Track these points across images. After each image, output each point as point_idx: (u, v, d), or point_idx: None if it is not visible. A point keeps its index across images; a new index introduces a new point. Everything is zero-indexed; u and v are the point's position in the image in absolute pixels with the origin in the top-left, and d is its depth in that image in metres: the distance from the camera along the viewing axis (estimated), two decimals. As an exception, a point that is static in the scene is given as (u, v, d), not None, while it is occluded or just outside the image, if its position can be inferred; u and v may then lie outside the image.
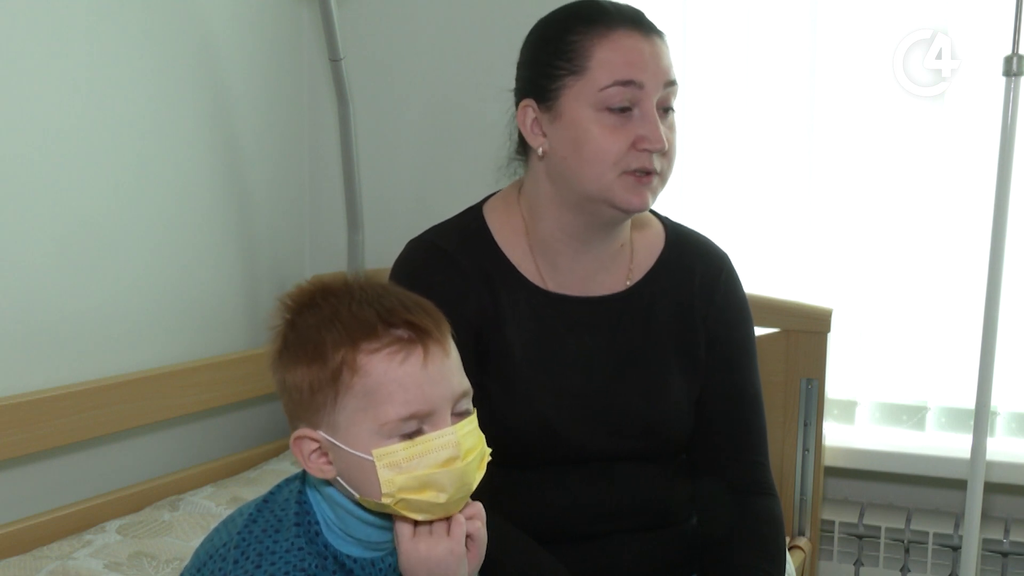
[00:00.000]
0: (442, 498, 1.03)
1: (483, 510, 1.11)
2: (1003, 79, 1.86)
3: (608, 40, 1.39)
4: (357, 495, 1.05)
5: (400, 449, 1.02)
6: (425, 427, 1.04)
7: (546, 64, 1.42)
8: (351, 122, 2.28)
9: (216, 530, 1.15)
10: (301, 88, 2.55)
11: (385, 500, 1.02)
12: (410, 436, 1.03)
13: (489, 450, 1.09)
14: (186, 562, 1.18)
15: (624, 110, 1.38)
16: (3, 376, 1.77)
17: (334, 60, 2.24)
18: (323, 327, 1.04)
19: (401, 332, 1.04)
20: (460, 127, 2.46)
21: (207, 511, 1.91)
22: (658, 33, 1.43)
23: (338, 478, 1.06)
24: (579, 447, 1.46)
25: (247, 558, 1.05)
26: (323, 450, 1.05)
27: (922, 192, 2.15)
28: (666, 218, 1.61)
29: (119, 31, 1.98)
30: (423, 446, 1.02)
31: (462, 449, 1.04)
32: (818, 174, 2.21)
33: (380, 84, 2.51)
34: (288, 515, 1.08)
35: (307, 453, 1.06)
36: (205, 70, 2.22)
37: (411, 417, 1.03)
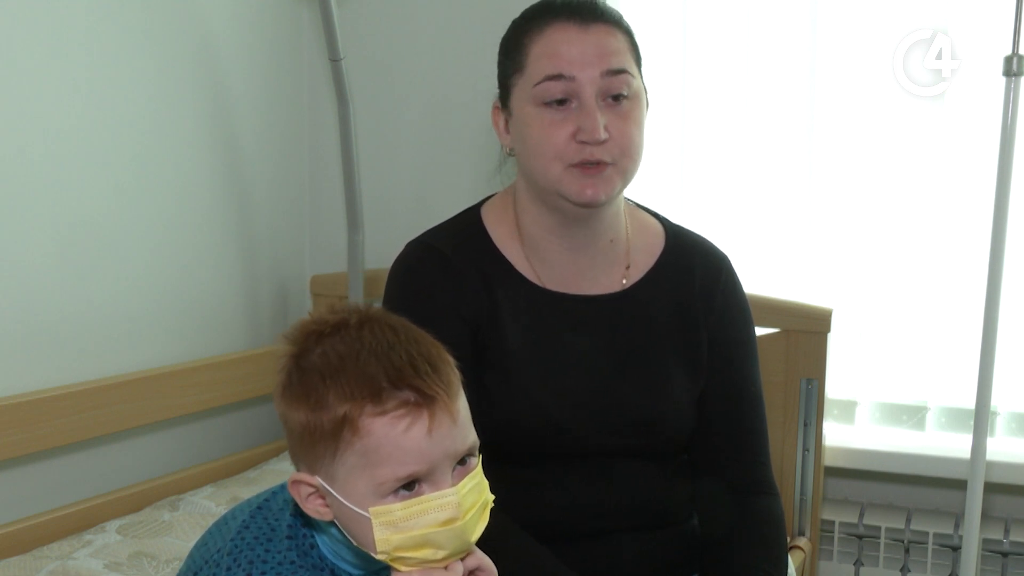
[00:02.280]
0: (440, 555, 1.00)
1: (492, 566, 1.08)
2: (1003, 79, 1.86)
3: (541, 35, 1.41)
4: (354, 543, 1.03)
5: (398, 509, 0.98)
6: (425, 485, 1.00)
7: (501, 64, 1.48)
8: (351, 122, 2.28)
9: (210, 533, 1.14)
10: (301, 88, 2.55)
11: (380, 557, 1.00)
12: (409, 492, 0.99)
13: (492, 497, 1.06)
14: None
15: (562, 103, 1.39)
16: (3, 376, 1.78)
17: (334, 60, 2.24)
18: (328, 377, 0.99)
19: (408, 395, 0.99)
20: (460, 127, 2.46)
21: (207, 511, 1.91)
22: (604, 20, 1.41)
23: (335, 521, 1.04)
24: (579, 444, 1.46)
25: (239, 565, 1.05)
26: (321, 493, 1.02)
27: (922, 192, 2.15)
28: (665, 219, 1.61)
29: (119, 31, 1.98)
30: (421, 506, 0.99)
31: (462, 509, 1.00)
32: (818, 174, 2.21)
33: (380, 84, 2.51)
34: (281, 526, 1.08)
35: (304, 495, 1.03)
36: (205, 70, 2.22)
37: (409, 476, 0.99)
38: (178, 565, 1.68)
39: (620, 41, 1.42)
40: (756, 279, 2.16)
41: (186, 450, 2.21)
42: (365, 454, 0.98)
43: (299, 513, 1.08)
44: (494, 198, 1.57)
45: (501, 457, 1.45)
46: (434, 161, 2.50)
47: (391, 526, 0.99)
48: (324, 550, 1.08)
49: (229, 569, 1.05)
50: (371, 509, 0.99)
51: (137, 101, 2.03)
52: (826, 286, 2.22)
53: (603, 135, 1.37)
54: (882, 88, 2.14)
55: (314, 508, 1.03)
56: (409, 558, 1.00)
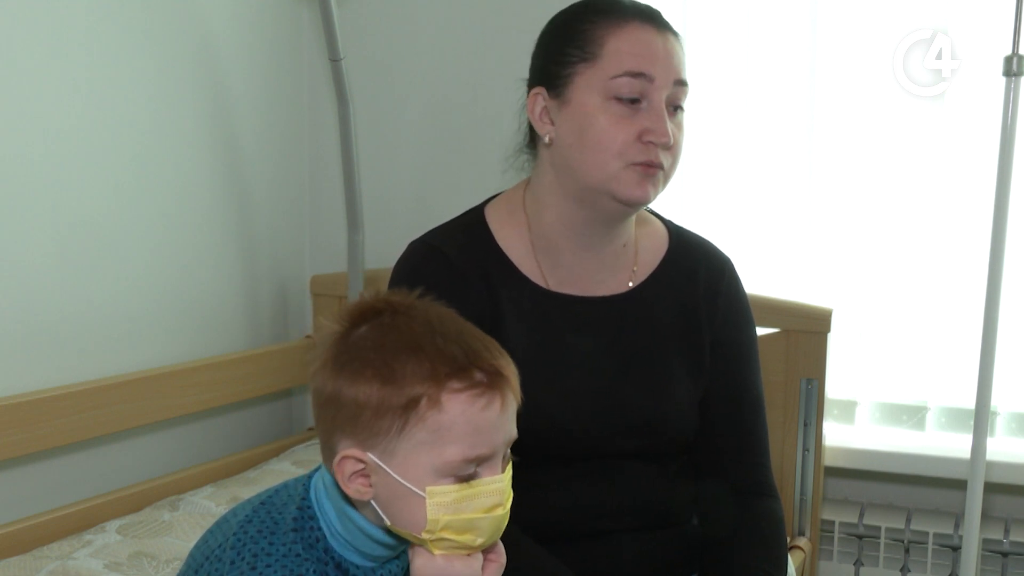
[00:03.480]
0: (477, 542, 1.03)
1: (504, 554, 1.11)
2: (1003, 79, 1.86)
3: (622, 30, 1.40)
4: (388, 521, 1.04)
5: (454, 491, 1.01)
6: (481, 469, 1.03)
7: (558, 51, 1.44)
8: (351, 122, 2.28)
9: (210, 531, 1.14)
10: (301, 88, 2.55)
11: (424, 535, 1.02)
12: (464, 478, 1.02)
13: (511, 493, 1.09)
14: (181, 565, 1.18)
15: (633, 101, 1.39)
16: (3, 376, 1.77)
17: (334, 60, 2.24)
18: (402, 352, 1.01)
19: (482, 376, 1.02)
20: (460, 127, 2.46)
21: (207, 511, 1.91)
22: (673, 32, 1.44)
23: (372, 501, 1.04)
24: (582, 445, 1.46)
25: (242, 558, 1.04)
26: (366, 472, 1.03)
27: (922, 192, 2.15)
28: (669, 221, 1.61)
29: (119, 31, 1.98)
30: (475, 489, 1.02)
31: (505, 496, 1.04)
32: (818, 174, 2.21)
33: (380, 84, 2.51)
34: (285, 519, 1.07)
35: (348, 473, 1.03)
36: (205, 70, 2.22)
37: (473, 460, 1.02)
38: (178, 565, 1.68)
39: (684, 55, 1.45)
40: (756, 279, 2.16)
41: (186, 450, 2.21)
42: (437, 431, 1.00)
43: (307, 507, 1.08)
44: (499, 198, 1.56)
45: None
46: (434, 161, 2.50)
47: (444, 507, 1.01)
48: (332, 542, 1.08)
49: (232, 563, 1.04)
50: (428, 489, 1.00)
51: (137, 101, 2.03)
52: (826, 286, 2.22)
53: (671, 140, 1.39)
54: (882, 88, 2.15)
55: (356, 487, 1.03)
56: (451, 541, 1.02)
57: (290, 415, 2.56)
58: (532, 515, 1.45)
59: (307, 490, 1.10)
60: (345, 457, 1.03)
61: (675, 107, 1.43)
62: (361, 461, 1.02)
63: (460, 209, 1.58)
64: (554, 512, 1.46)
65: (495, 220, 1.52)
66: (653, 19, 1.43)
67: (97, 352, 1.97)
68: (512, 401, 1.04)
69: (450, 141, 2.48)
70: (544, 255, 1.50)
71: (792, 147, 2.21)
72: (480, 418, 1.01)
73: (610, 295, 1.51)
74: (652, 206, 1.63)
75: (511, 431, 1.05)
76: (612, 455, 1.48)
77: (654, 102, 1.39)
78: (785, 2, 2.18)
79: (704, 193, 2.27)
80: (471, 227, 1.52)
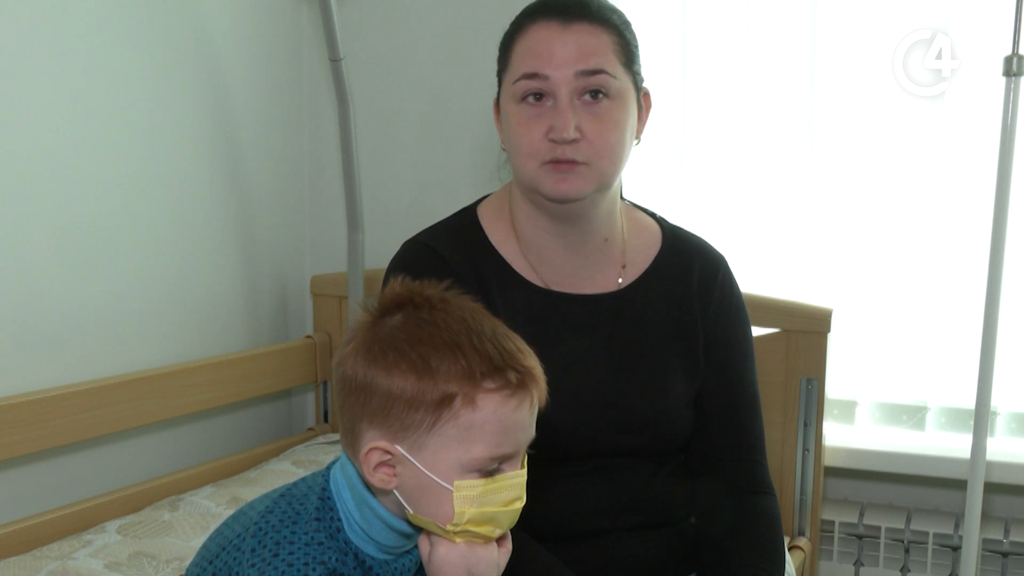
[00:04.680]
0: (496, 533, 1.07)
1: (511, 541, 1.13)
2: (1003, 79, 1.86)
3: (525, 32, 1.42)
4: (410, 511, 1.05)
5: (480, 484, 1.04)
6: (504, 465, 1.06)
7: (498, 61, 1.49)
8: (351, 122, 2.28)
9: (226, 523, 1.14)
10: (301, 88, 2.55)
11: (449, 527, 1.04)
12: (488, 473, 1.04)
13: None
14: (189, 560, 1.17)
15: (539, 98, 1.40)
16: (3, 376, 1.78)
17: (334, 60, 2.24)
18: (440, 348, 1.03)
19: (515, 376, 1.04)
20: (460, 127, 2.46)
21: (207, 511, 1.91)
22: (588, 18, 1.41)
23: (395, 491, 1.05)
24: (577, 443, 1.46)
25: (264, 547, 1.04)
26: (392, 462, 1.04)
27: (922, 192, 2.15)
28: (663, 220, 1.61)
29: (119, 31, 1.98)
30: (499, 483, 1.05)
31: (523, 490, 1.08)
32: (818, 174, 2.21)
33: (380, 84, 2.51)
34: (308, 508, 1.08)
35: (374, 463, 1.04)
36: (205, 70, 2.22)
37: (500, 458, 1.05)
38: (179, 565, 1.68)
39: (602, 40, 1.41)
40: (756, 279, 2.16)
41: (186, 450, 2.21)
42: (469, 428, 1.02)
43: (327, 498, 1.09)
44: (490, 197, 1.57)
45: (501, 457, 1.45)
46: (434, 161, 2.50)
47: (470, 500, 1.03)
48: (350, 533, 1.08)
49: (254, 551, 1.04)
50: (456, 483, 1.03)
51: (137, 101, 2.03)
52: (826, 286, 2.22)
53: (572, 134, 1.38)
54: (882, 88, 2.15)
55: (380, 477, 1.05)
56: (473, 532, 1.05)
57: (290, 415, 2.56)
58: (529, 514, 1.44)
59: (327, 480, 1.11)
60: (373, 448, 1.04)
61: (595, 94, 1.40)
62: (388, 452, 1.04)
63: (459, 208, 1.58)
64: (551, 511, 1.46)
65: (487, 219, 1.53)
66: (562, 12, 1.40)
67: (97, 352, 1.97)
68: (538, 401, 1.07)
69: (450, 141, 2.48)
70: (531, 253, 1.50)
71: (792, 147, 2.21)
72: (510, 418, 1.04)
73: (601, 293, 1.51)
74: (649, 204, 1.63)
75: (533, 430, 1.08)
76: (608, 454, 1.48)
77: (557, 98, 1.39)
78: (785, 2, 2.18)
79: (704, 193, 2.27)
80: (464, 226, 1.53)
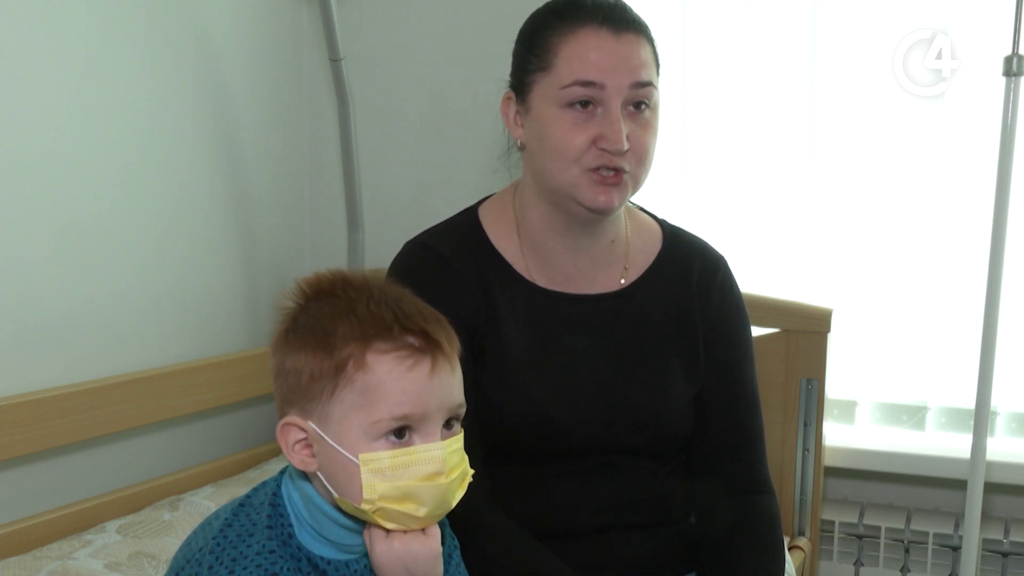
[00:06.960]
0: (421, 512, 1.02)
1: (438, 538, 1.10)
2: (1003, 79, 1.86)
3: (574, 37, 1.40)
4: (335, 494, 1.04)
5: (387, 457, 1.01)
6: (415, 437, 1.03)
7: (521, 58, 1.46)
8: (351, 122, 2.28)
9: (194, 533, 1.14)
10: (301, 88, 2.55)
11: (364, 506, 1.01)
12: (399, 441, 1.02)
13: (472, 471, 1.08)
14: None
15: (587, 105, 1.38)
16: (3, 376, 1.77)
17: (334, 60, 2.24)
18: (337, 318, 1.04)
19: (414, 339, 1.03)
20: (460, 127, 2.46)
21: (207, 511, 1.91)
22: (635, 30, 1.41)
23: (319, 473, 1.05)
24: (577, 442, 1.47)
25: (221, 563, 1.04)
26: (308, 441, 1.04)
27: (922, 192, 2.15)
28: (663, 220, 1.62)
29: (118, 31, 1.98)
30: (409, 456, 1.02)
31: (447, 465, 1.03)
32: (818, 174, 2.21)
33: (380, 84, 2.51)
34: (261, 517, 1.07)
35: (291, 442, 1.05)
36: (205, 70, 2.22)
37: (404, 418, 1.02)
38: (178, 565, 1.68)
39: (647, 53, 1.42)
40: (756, 279, 2.16)
41: (186, 450, 2.21)
42: (365, 392, 1.02)
43: (278, 504, 1.08)
44: (492, 198, 1.58)
45: (500, 456, 1.45)
46: (434, 161, 2.50)
47: (379, 473, 1.01)
48: (301, 535, 1.08)
49: (211, 568, 1.04)
50: (361, 456, 1.01)
51: (137, 101, 2.03)
52: (826, 286, 2.22)
53: (626, 145, 1.38)
54: (882, 88, 2.15)
55: (300, 458, 1.05)
56: (392, 510, 1.02)
57: (290, 415, 2.56)
58: (529, 513, 1.45)
59: (279, 485, 1.11)
60: (286, 424, 1.05)
61: (638, 105, 1.41)
62: (302, 429, 1.04)
63: (460, 209, 1.58)
64: (551, 509, 1.47)
65: (488, 221, 1.53)
66: (611, 20, 1.40)
67: (97, 352, 1.96)
68: (446, 367, 1.05)
69: (450, 141, 2.48)
70: (534, 254, 1.50)
71: (792, 147, 2.21)
72: (407, 379, 1.02)
73: (603, 293, 1.51)
74: (649, 205, 1.64)
75: (451, 398, 1.05)
76: (608, 452, 1.48)
77: (608, 108, 1.38)
78: (785, 2, 2.18)
79: (704, 193, 2.27)
80: (465, 227, 1.53)
